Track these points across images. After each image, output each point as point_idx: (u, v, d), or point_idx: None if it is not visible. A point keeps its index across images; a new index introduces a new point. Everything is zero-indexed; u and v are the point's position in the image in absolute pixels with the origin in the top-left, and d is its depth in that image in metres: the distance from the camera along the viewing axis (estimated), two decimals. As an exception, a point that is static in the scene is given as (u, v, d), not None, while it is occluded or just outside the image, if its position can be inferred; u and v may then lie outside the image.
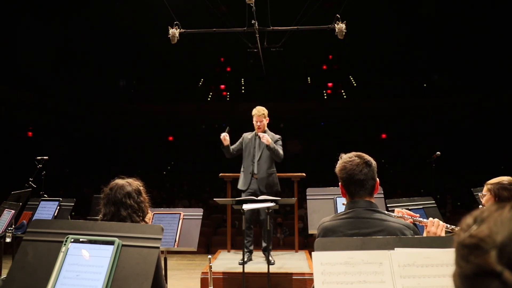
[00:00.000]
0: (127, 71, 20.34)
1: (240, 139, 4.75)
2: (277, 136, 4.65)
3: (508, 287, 0.57)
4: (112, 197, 2.10)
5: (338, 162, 1.89)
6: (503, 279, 0.57)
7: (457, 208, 11.63)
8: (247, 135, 4.72)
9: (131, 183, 2.16)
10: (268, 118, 4.63)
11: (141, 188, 2.19)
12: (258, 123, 4.54)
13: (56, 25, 14.81)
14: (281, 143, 4.63)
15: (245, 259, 4.11)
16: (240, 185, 4.65)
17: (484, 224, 0.63)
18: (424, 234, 1.96)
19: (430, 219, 1.96)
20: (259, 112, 4.55)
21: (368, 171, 1.81)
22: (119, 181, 2.16)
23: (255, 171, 4.54)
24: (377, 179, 1.86)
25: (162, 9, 6.70)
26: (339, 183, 1.88)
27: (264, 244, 4.62)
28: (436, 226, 1.92)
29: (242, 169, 4.69)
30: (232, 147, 4.65)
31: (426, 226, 1.96)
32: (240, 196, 4.51)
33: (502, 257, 0.58)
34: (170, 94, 20.68)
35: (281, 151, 4.54)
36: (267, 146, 4.46)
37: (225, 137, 4.49)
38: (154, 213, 3.32)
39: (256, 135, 4.61)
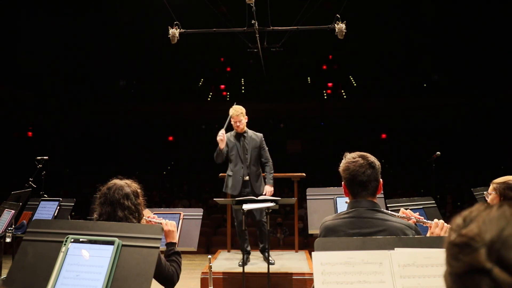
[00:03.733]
0: (127, 71, 20.34)
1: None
2: (260, 135, 4.42)
3: (497, 283, 0.58)
4: (110, 197, 2.06)
5: (342, 161, 1.87)
6: (493, 276, 0.59)
7: (457, 208, 11.62)
8: (230, 136, 4.40)
9: (130, 185, 2.12)
10: (247, 116, 4.37)
11: (139, 190, 2.16)
12: (238, 123, 4.29)
13: (56, 25, 14.81)
14: (265, 143, 4.43)
15: (245, 261, 4.10)
16: (231, 190, 4.36)
17: (473, 223, 0.65)
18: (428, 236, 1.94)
19: (435, 220, 1.94)
20: (237, 112, 4.27)
21: (372, 172, 1.80)
22: (118, 182, 2.12)
23: (247, 175, 4.33)
24: (381, 179, 1.85)
25: (162, 9, 6.70)
26: (342, 183, 1.88)
27: (261, 245, 4.61)
28: (440, 228, 1.90)
29: (229, 173, 4.42)
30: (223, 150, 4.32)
31: (430, 227, 1.94)
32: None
33: (491, 255, 0.60)
34: (170, 94, 20.68)
35: (270, 161, 4.42)
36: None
37: (222, 138, 4.21)
38: (154, 213, 3.31)
39: (242, 136, 4.35)
